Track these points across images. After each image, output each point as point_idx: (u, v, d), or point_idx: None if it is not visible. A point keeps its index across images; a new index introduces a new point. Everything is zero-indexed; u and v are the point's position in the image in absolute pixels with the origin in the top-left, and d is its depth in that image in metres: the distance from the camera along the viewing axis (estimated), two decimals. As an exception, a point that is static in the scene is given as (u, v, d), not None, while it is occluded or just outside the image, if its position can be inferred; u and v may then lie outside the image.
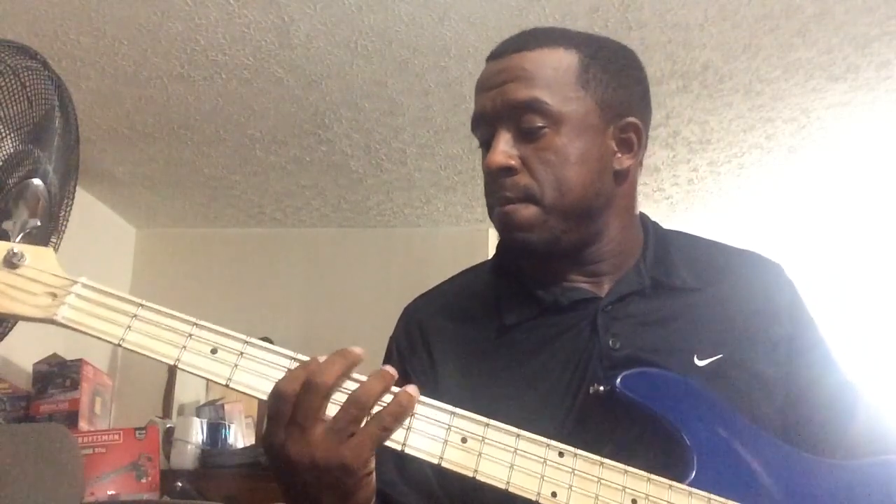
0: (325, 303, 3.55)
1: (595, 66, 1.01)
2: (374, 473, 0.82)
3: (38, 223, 1.57)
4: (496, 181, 1.00)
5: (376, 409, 0.80)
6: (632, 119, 1.03)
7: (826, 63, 2.53)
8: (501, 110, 0.99)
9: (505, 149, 0.99)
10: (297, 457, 0.78)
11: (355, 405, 0.78)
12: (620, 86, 1.03)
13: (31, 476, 1.68)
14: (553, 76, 0.99)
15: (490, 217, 1.04)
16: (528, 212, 0.98)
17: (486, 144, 1.03)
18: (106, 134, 2.94)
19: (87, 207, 3.22)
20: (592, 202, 1.00)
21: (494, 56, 1.04)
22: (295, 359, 0.82)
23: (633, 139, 1.03)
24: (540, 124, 0.98)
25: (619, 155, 1.03)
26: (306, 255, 3.69)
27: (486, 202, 1.04)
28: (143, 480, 2.44)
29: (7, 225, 1.49)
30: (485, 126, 1.02)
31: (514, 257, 1.07)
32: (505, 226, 1.01)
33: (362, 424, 0.79)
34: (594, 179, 1.00)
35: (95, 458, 2.39)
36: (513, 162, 0.98)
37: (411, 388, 0.81)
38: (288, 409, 0.78)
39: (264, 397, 0.80)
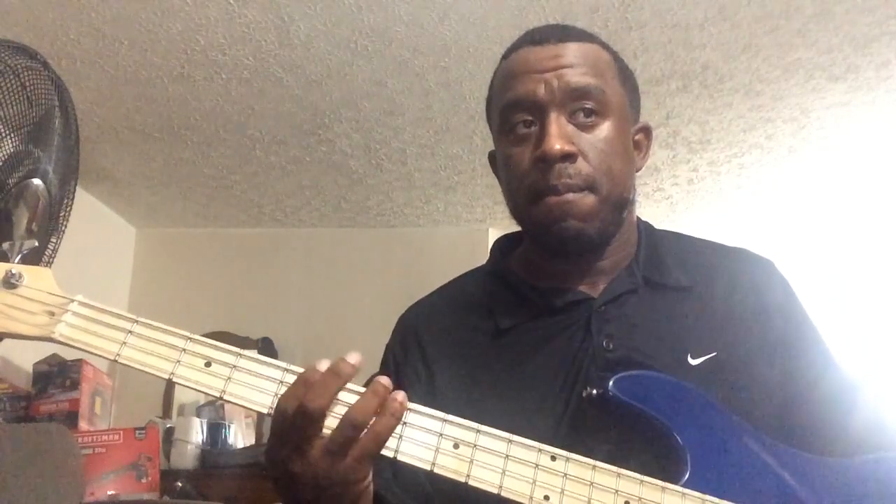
0: (325, 303, 3.54)
1: (624, 68, 1.04)
2: (371, 480, 0.83)
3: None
4: (551, 168, 0.94)
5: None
6: (645, 123, 1.07)
7: (826, 63, 2.53)
8: (558, 94, 0.96)
9: (565, 133, 0.95)
10: (299, 473, 0.79)
11: (350, 426, 0.78)
12: (635, 89, 1.07)
13: (31, 476, 1.68)
14: (603, 69, 1.00)
15: (531, 207, 0.97)
16: (588, 200, 0.96)
17: (512, 131, 0.98)
18: (106, 134, 2.94)
19: (87, 207, 3.22)
20: (630, 196, 1.02)
21: (538, 41, 1.01)
22: (288, 370, 0.82)
23: (643, 142, 1.07)
24: (595, 112, 0.97)
25: (636, 154, 1.06)
26: (306, 255, 3.69)
27: (528, 190, 0.97)
28: (143, 480, 2.44)
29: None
30: (529, 111, 0.98)
31: (553, 250, 1.00)
32: (562, 214, 0.95)
33: (359, 440, 0.78)
34: (632, 173, 1.03)
35: (95, 458, 2.39)
36: (575, 148, 0.95)
37: (400, 396, 0.80)
38: (287, 427, 0.78)
39: (258, 409, 0.80)
